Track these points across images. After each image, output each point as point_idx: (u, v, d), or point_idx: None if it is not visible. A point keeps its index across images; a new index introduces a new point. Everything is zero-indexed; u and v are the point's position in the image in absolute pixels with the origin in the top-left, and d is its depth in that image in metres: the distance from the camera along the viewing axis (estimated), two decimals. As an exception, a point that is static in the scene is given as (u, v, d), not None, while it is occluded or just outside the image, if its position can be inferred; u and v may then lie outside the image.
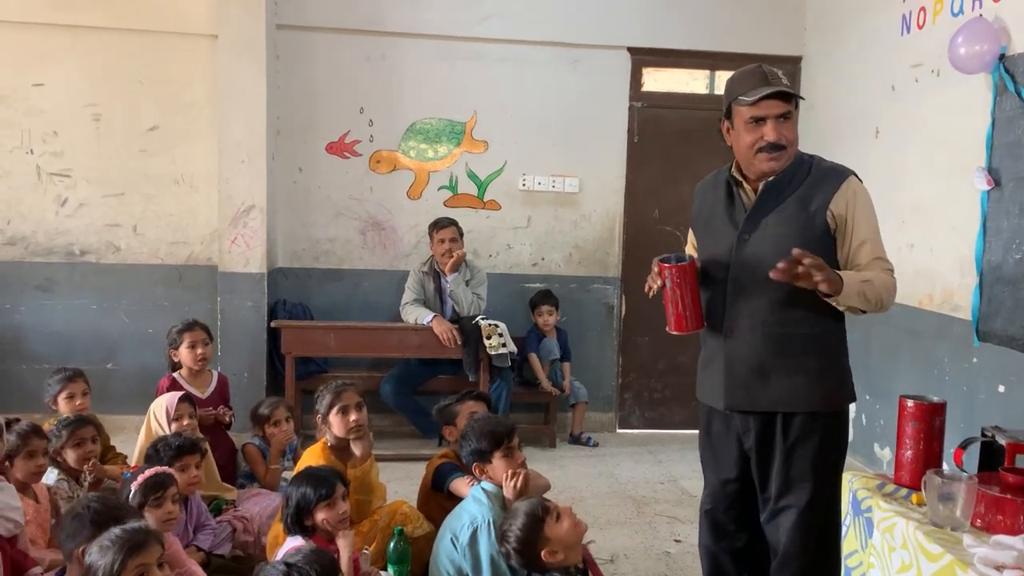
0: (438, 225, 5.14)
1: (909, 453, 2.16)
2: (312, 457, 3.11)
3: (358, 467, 3.08)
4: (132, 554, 1.98)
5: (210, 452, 3.39)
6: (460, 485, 3.05)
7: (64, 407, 3.59)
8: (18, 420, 2.82)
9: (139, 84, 5.23)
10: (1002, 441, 2.17)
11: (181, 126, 5.29)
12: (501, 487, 2.75)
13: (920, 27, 4.41)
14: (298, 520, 2.60)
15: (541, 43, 5.50)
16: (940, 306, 4.20)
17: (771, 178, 2.35)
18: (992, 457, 2.22)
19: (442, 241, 5.08)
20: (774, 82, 2.29)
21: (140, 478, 2.59)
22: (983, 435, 2.25)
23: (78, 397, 3.63)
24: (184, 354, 3.84)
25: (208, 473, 3.33)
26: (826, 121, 5.31)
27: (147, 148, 5.28)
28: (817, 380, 2.35)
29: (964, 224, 3.98)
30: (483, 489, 2.76)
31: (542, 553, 2.46)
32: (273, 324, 5.09)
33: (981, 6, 3.92)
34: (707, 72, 5.77)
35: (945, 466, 2.14)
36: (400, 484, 4.14)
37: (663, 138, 5.67)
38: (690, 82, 5.80)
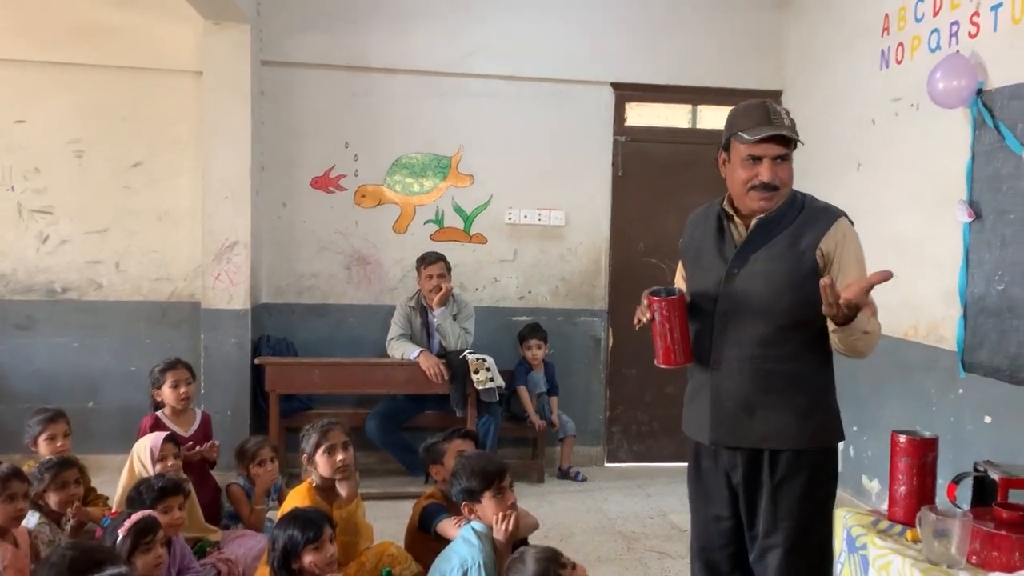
0: (426, 260, 5.13)
1: (903, 489, 2.16)
2: (298, 498, 3.07)
3: (344, 508, 3.04)
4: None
5: (193, 492, 3.33)
6: (447, 527, 3.01)
7: (45, 449, 3.52)
8: (-2, 462, 2.77)
9: (123, 120, 5.22)
10: (995, 476, 2.17)
11: (165, 162, 5.28)
12: (491, 527, 2.72)
13: (899, 62, 4.48)
14: (285, 563, 2.56)
15: (526, 79, 5.55)
16: (926, 337, 4.22)
17: (763, 215, 2.35)
18: (985, 492, 2.22)
19: (430, 277, 5.07)
20: (776, 122, 2.28)
21: (127, 524, 2.54)
22: (975, 470, 2.26)
23: (59, 438, 3.57)
24: (167, 393, 3.79)
25: (191, 514, 3.27)
26: (808, 154, 5.30)
27: (130, 184, 5.26)
28: (804, 417, 2.32)
29: (947, 256, 4.02)
30: (473, 529, 2.72)
31: None
32: (257, 361, 5.04)
33: (958, 42, 3.98)
34: (689, 107, 5.83)
35: (938, 502, 2.14)
36: (386, 523, 4.08)
37: (647, 172, 5.71)
38: (672, 116, 5.85)
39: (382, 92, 5.47)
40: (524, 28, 5.50)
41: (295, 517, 2.65)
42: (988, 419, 3.74)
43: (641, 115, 5.78)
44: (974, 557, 1.95)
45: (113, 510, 3.15)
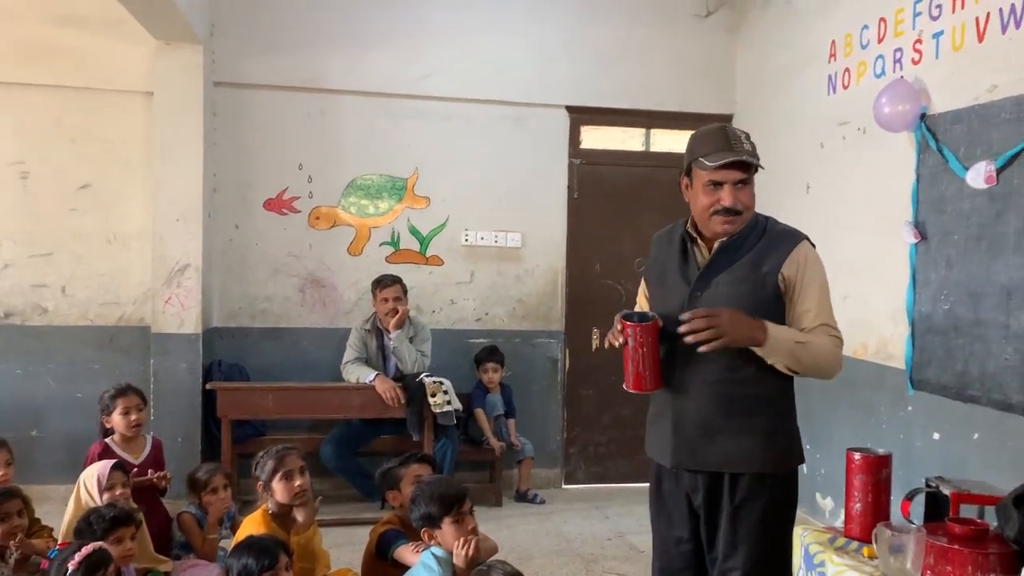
0: (382, 283, 5.09)
1: (858, 506, 2.19)
2: (253, 525, 3.01)
3: (301, 534, 2.98)
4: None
5: (144, 522, 3.24)
6: (405, 553, 2.97)
7: (-16, 479, 3.40)
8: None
9: (71, 142, 5.11)
10: (946, 491, 2.22)
11: (114, 184, 5.17)
12: (451, 553, 2.69)
13: (845, 87, 4.60)
14: (240, 593, 2.49)
15: (482, 101, 5.57)
16: (875, 355, 4.30)
17: (725, 239, 2.36)
18: (937, 507, 2.27)
19: (386, 300, 5.03)
20: (736, 147, 2.28)
21: (77, 556, 2.45)
22: (928, 486, 2.30)
23: (1, 468, 3.45)
24: (117, 420, 3.69)
25: (142, 544, 3.17)
26: (758, 177, 5.40)
27: (78, 207, 5.14)
28: (765, 441, 2.32)
29: (895, 276, 4.11)
30: (433, 555, 2.68)
31: None
32: (209, 386, 4.94)
33: (902, 68, 4.11)
34: (643, 130, 5.90)
35: (892, 518, 2.17)
36: (343, 550, 4.01)
37: (602, 194, 5.77)
38: (626, 140, 5.92)
39: (337, 113, 5.44)
40: (480, 51, 5.53)
41: (250, 545, 2.60)
42: (936, 435, 3.83)
43: (596, 138, 5.84)
44: (929, 572, 1.99)
45: (60, 541, 3.05)
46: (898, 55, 4.15)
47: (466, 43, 5.52)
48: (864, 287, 4.37)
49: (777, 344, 2.22)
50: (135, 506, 3.22)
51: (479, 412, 5.25)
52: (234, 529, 3.46)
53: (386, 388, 4.82)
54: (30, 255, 5.10)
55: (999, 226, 3.46)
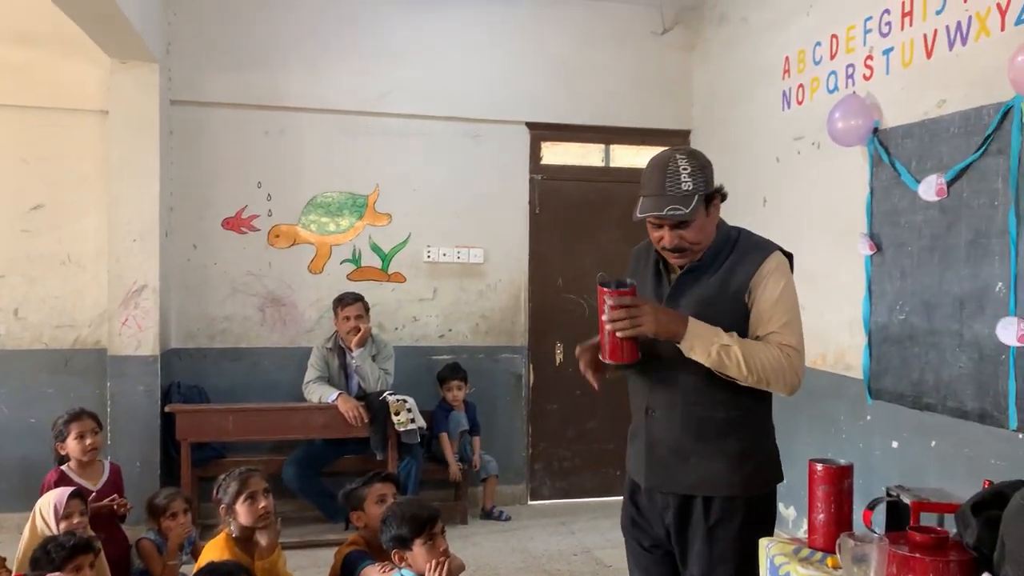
0: (343, 302, 5.05)
1: (821, 516, 2.20)
2: (215, 551, 2.96)
3: (265, 558, 2.94)
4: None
5: (102, 549, 3.17)
6: (372, 573, 2.94)
7: (-65, 510, 3.30)
8: None
9: (22, 162, 5.01)
10: (907, 500, 2.25)
11: (69, 204, 5.08)
12: (422, 575, 2.66)
13: (800, 103, 4.69)
14: (203, 621, 2.44)
15: (443, 118, 5.58)
16: (834, 366, 4.37)
17: (690, 264, 2.29)
18: (899, 516, 2.29)
19: (348, 318, 4.99)
20: (671, 191, 2.15)
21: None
22: (888, 495, 2.33)
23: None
24: (72, 445, 3.62)
25: (100, 572, 3.10)
26: (717, 191, 5.53)
27: (30, 228, 5.04)
28: (737, 464, 2.28)
29: (851, 287, 4.19)
30: (402, 577, 2.66)
31: None
32: (167, 409, 4.85)
33: (854, 83, 4.20)
34: (602, 146, 5.96)
35: (855, 527, 2.20)
36: (306, 573, 3.97)
37: (563, 209, 5.80)
38: (586, 155, 5.97)
39: (296, 131, 5.41)
40: (441, 68, 5.54)
41: (212, 571, 2.56)
42: (895, 444, 3.89)
43: (556, 154, 5.88)
44: (891, 580, 2.01)
45: (15, 572, 2.97)
46: (850, 71, 4.24)
47: (426, 60, 5.53)
48: (821, 298, 4.44)
49: (696, 341, 2.14)
50: (93, 534, 3.15)
51: (444, 437, 5.21)
52: (195, 555, 3.40)
53: (349, 407, 4.78)
54: (-20, 278, 4.99)
55: (950, 237, 3.55)
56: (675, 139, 5.87)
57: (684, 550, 2.34)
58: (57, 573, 2.55)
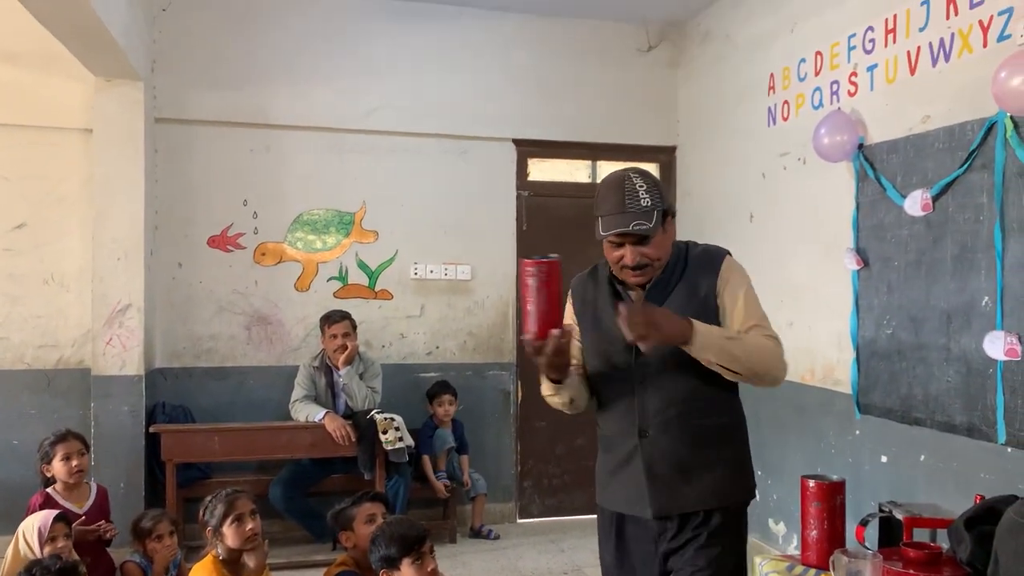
0: (331, 319, 5.02)
1: (814, 533, 2.21)
2: (202, 573, 2.91)
3: (253, 581, 2.90)
4: None
5: (87, 573, 3.12)
6: (362, 593, 2.91)
7: (-85, 535, 3.24)
8: None
9: (4, 180, 4.96)
10: (900, 516, 2.25)
11: (52, 223, 5.03)
12: (410, 595, 2.63)
13: (785, 119, 4.71)
14: (189, 647, 2.40)
15: (429, 135, 5.58)
16: (822, 381, 4.38)
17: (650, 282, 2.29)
18: (891, 532, 2.30)
19: (335, 336, 4.96)
20: (631, 208, 2.18)
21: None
22: (881, 510, 2.33)
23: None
24: (58, 468, 3.57)
25: (83, 598, 3.06)
26: (702, 207, 5.57)
27: (12, 247, 4.98)
28: (733, 471, 2.29)
29: (838, 302, 4.20)
30: (391, 598, 2.63)
31: None
32: (152, 429, 4.79)
33: (839, 100, 4.23)
34: (589, 162, 5.98)
35: (847, 544, 2.19)
36: (295, 594, 3.92)
37: (550, 225, 5.80)
38: (573, 172, 5.99)
39: (282, 149, 5.39)
40: (427, 86, 5.55)
41: (199, 595, 2.51)
42: (884, 459, 3.89)
43: (543, 170, 5.89)
44: (885, 597, 2.01)
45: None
46: (835, 87, 4.27)
47: (412, 78, 5.53)
48: (809, 313, 4.45)
49: (707, 339, 2.13)
50: (78, 558, 3.10)
51: (425, 460, 5.17)
52: (181, 578, 3.35)
53: (336, 426, 4.74)
54: (-38, 298, 4.93)
55: (936, 252, 3.57)
56: (661, 155, 5.90)
57: (679, 566, 2.29)
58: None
